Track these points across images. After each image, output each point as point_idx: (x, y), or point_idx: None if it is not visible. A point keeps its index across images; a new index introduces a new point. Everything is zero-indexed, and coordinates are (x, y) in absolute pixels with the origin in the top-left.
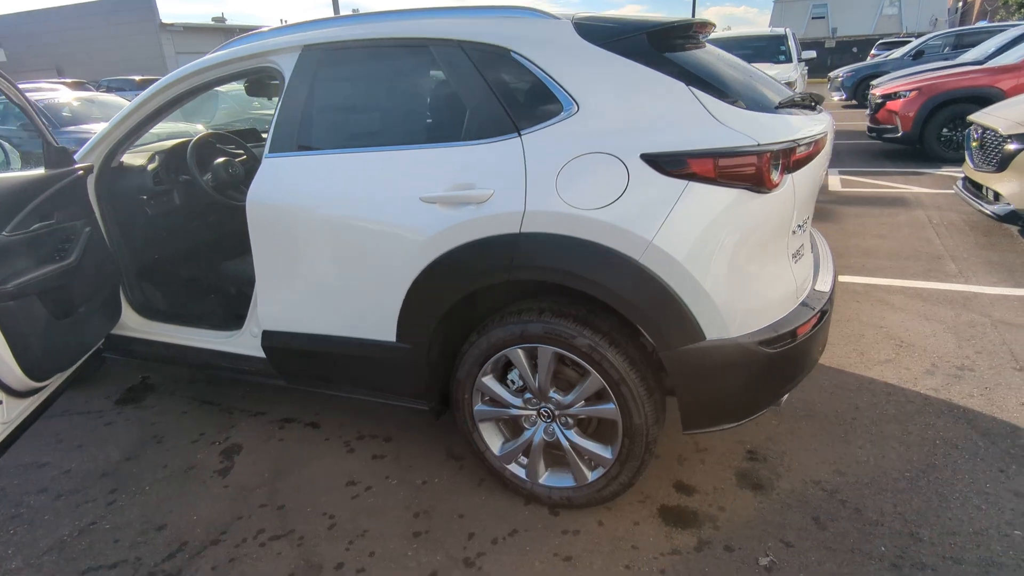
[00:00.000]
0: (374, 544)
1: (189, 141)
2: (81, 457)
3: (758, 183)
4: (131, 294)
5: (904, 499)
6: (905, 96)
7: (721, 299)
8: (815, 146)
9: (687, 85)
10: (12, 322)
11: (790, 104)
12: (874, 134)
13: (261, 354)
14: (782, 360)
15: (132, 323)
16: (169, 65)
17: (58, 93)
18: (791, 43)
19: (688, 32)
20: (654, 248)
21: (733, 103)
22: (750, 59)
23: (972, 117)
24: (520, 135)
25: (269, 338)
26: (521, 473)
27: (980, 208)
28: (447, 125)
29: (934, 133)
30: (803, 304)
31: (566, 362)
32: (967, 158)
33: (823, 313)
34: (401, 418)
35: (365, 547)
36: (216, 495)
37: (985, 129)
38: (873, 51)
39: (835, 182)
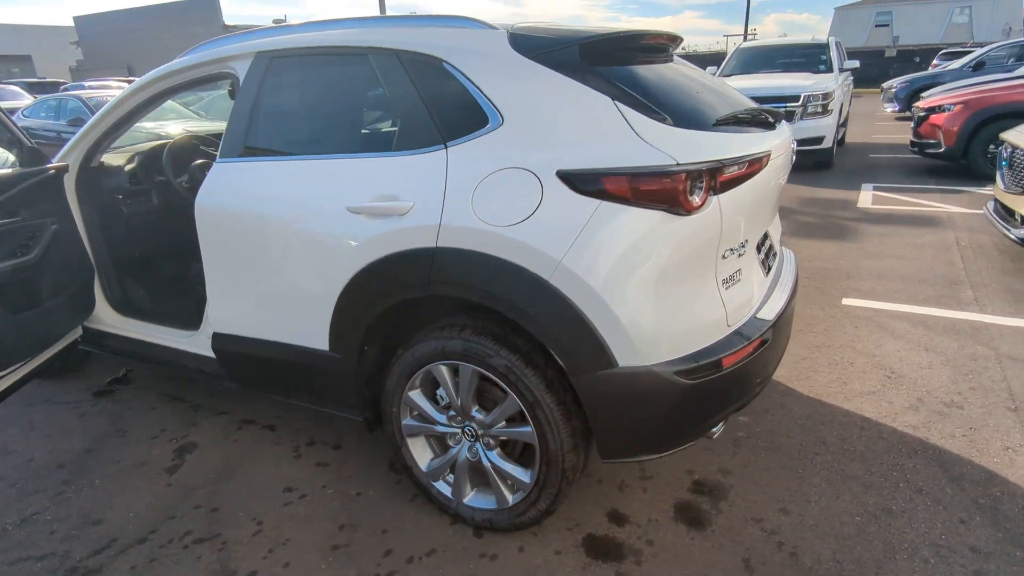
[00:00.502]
0: (292, 555)
1: (167, 143)
2: (46, 447)
3: (673, 204)
4: (108, 290)
5: (847, 546)
6: (949, 110)
7: (633, 324)
8: (752, 166)
9: (613, 100)
10: None
11: (733, 121)
12: (916, 149)
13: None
14: (704, 392)
15: (108, 319)
16: None
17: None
18: (833, 52)
19: (636, 44)
20: (563, 268)
21: (661, 120)
22: (788, 68)
23: (1004, 135)
24: (446, 147)
25: (218, 340)
26: (447, 491)
27: (1005, 232)
28: (380, 135)
29: (980, 149)
30: (736, 333)
31: (489, 381)
32: (998, 178)
33: (763, 342)
34: (354, 427)
35: (282, 557)
36: (158, 493)
37: (1015, 148)
38: (935, 61)
39: (866, 198)
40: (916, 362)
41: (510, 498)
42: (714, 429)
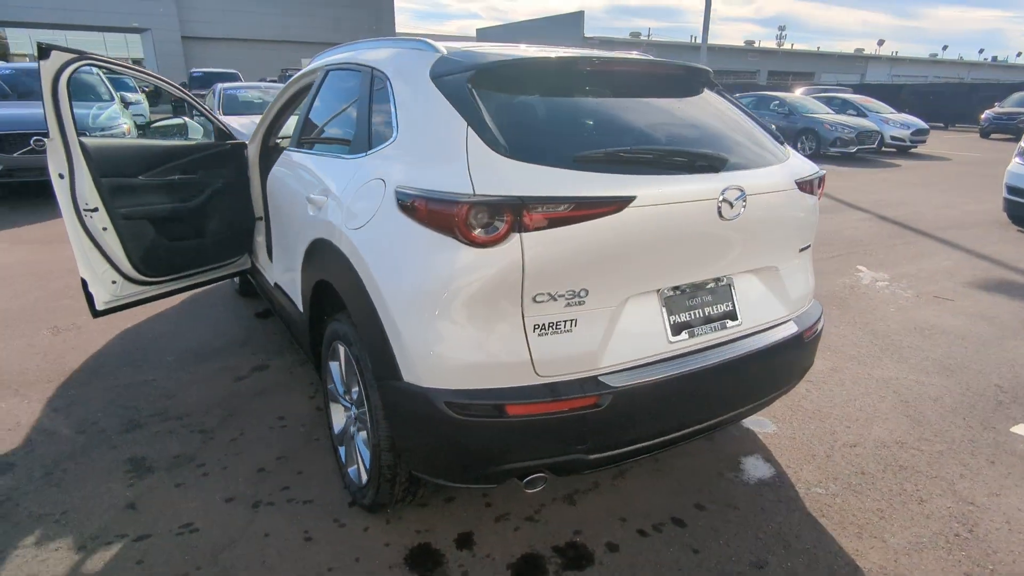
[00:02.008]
0: (234, 463)
1: None
2: (200, 341)
3: (455, 233)
4: (267, 239)
5: None
6: None
7: (413, 342)
8: (586, 209)
9: (468, 125)
10: (126, 233)
11: (610, 159)
12: None
13: None
14: (481, 433)
15: (263, 260)
16: None
17: None
18: None
19: (563, 71)
20: (371, 276)
21: (500, 150)
22: None
23: None
24: (367, 155)
25: (275, 286)
26: (343, 457)
27: None
28: (346, 138)
29: None
30: (546, 385)
31: None
32: None
33: (594, 406)
34: None
35: (227, 462)
36: (216, 391)
37: None
38: None
39: None
40: None
41: (362, 479)
42: (523, 481)
